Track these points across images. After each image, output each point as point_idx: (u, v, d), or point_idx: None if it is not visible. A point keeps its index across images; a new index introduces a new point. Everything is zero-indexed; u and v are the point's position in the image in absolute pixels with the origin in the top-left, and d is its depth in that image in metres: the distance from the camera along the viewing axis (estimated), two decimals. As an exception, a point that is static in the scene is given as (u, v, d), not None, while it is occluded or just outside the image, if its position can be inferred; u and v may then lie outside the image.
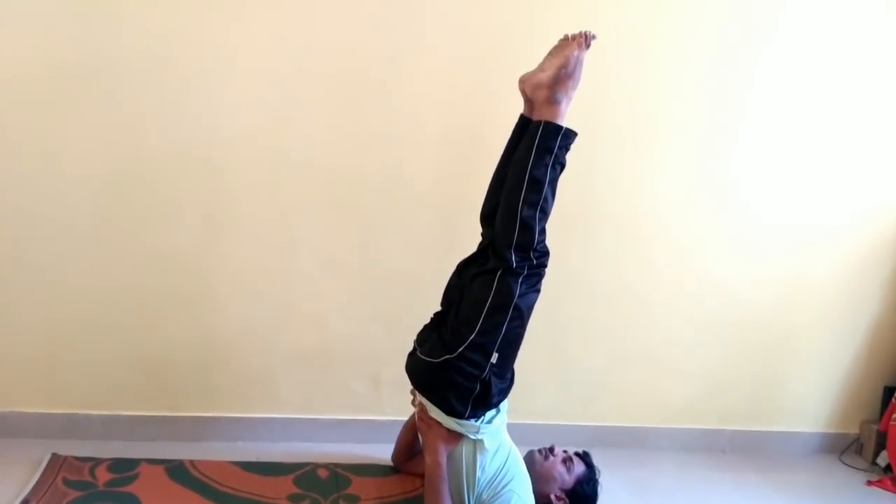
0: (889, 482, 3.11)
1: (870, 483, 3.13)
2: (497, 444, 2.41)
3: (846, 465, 3.29)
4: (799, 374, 3.33)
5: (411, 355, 2.48)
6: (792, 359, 3.31)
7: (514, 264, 2.31)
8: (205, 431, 2.84)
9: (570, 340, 3.08)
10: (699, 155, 3.03)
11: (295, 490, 2.58)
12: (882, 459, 3.24)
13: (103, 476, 2.53)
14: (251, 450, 2.81)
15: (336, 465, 2.76)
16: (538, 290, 2.39)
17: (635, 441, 3.19)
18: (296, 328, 2.87)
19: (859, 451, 3.38)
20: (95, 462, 2.60)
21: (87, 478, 2.51)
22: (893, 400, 3.22)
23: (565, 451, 2.61)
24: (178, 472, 2.61)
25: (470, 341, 2.30)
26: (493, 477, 2.38)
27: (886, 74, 3.08)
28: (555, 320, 2.97)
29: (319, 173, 2.78)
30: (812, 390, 3.36)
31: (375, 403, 2.96)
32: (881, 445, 3.26)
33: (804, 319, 3.27)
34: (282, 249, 2.81)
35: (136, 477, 2.55)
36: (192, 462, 2.67)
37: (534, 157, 2.31)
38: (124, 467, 2.59)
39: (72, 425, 2.75)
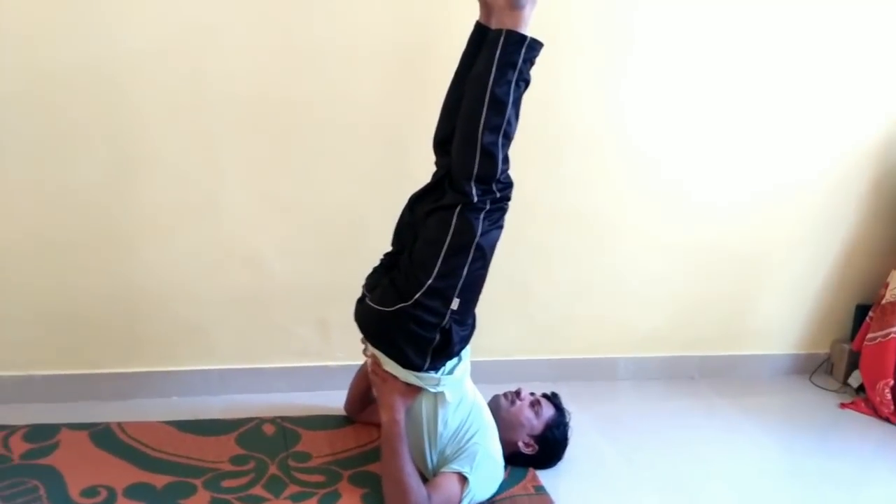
0: (862, 404, 3.02)
1: (843, 405, 3.03)
2: (459, 395, 2.19)
3: (817, 386, 3.20)
4: (769, 296, 3.19)
5: (360, 302, 2.20)
6: (763, 281, 3.16)
7: (475, 198, 2.03)
8: (132, 389, 2.56)
9: (531, 271, 2.85)
10: (668, 71, 2.76)
11: (238, 451, 2.34)
12: (854, 380, 3.15)
13: (19, 447, 2.25)
14: (187, 406, 2.54)
15: (283, 418, 2.52)
16: (501, 227, 2.12)
17: (602, 373, 3.03)
18: (228, 271, 2.57)
19: (830, 371, 3.29)
20: (10, 430, 2.31)
21: (1, 450, 2.22)
22: (868, 319, 3.10)
23: (533, 394, 2.42)
24: (105, 437, 2.34)
25: (427, 287, 2.03)
26: (456, 431, 2.17)
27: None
28: (515, 250, 2.72)
29: (245, 94, 2.42)
30: (783, 312, 3.24)
31: (325, 348, 2.71)
32: (853, 365, 3.16)
33: (776, 240, 3.10)
34: (206, 184, 2.47)
35: (55, 446, 2.27)
36: (119, 425, 2.39)
37: (495, 73, 1.99)
38: (43, 435, 2.31)
39: (-21, 390, 2.45)
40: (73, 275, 2.44)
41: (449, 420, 2.16)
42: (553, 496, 2.25)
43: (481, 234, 2.04)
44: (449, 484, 2.08)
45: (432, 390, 2.13)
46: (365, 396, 2.50)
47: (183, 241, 2.50)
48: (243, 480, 2.20)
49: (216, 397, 2.61)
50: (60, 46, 2.25)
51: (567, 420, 2.42)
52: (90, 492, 2.08)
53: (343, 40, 2.44)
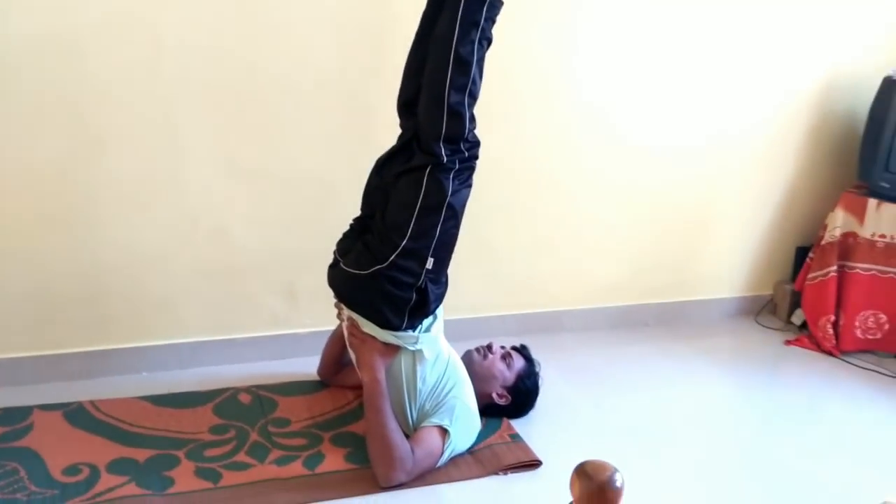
0: (806, 340, 3.19)
1: (788, 342, 3.20)
2: (436, 352, 2.24)
3: (762, 325, 3.36)
4: (716, 242, 3.32)
5: (333, 267, 2.23)
6: (709, 228, 3.29)
7: (445, 159, 2.07)
8: (102, 367, 2.52)
9: (494, 229, 2.90)
10: (618, 29, 2.83)
11: (217, 420, 2.35)
12: (797, 318, 3.32)
13: (-9, 431, 2.22)
14: (159, 381, 2.53)
15: (258, 387, 2.54)
16: (470, 185, 2.18)
17: (564, 325, 3.12)
18: (194, 243, 2.54)
19: (773, 311, 3.46)
20: (-21, 416, 2.28)
21: (-28, 436, 2.20)
22: (808, 259, 3.26)
23: (503, 348, 2.50)
24: (79, 415, 2.32)
25: (402, 248, 2.07)
26: (434, 386, 2.23)
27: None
28: (478, 209, 2.75)
29: (204, 59, 2.39)
30: (728, 257, 3.37)
31: (293, 316, 2.72)
32: (795, 304, 3.33)
33: (721, 189, 3.22)
34: (169, 155, 2.44)
35: (30, 428, 2.24)
36: (92, 403, 2.38)
37: (458, 33, 2.03)
38: (15, 418, 2.28)
39: (-57, 377, 2.39)
40: (35, 254, 2.39)
41: (427, 376, 2.21)
42: (528, 442, 2.33)
43: (452, 194, 2.09)
44: (431, 437, 2.15)
45: (411, 348, 2.18)
46: (338, 360, 2.54)
47: (146, 214, 2.46)
48: (226, 448, 2.22)
49: (187, 370, 2.61)
50: (12, 18, 2.17)
51: (537, 370, 2.50)
52: (72, 470, 2.08)
53: (301, 5, 2.42)
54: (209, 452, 2.19)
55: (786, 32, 3.07)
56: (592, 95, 2.88)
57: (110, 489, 2.01)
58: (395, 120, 2.28)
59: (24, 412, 2.31)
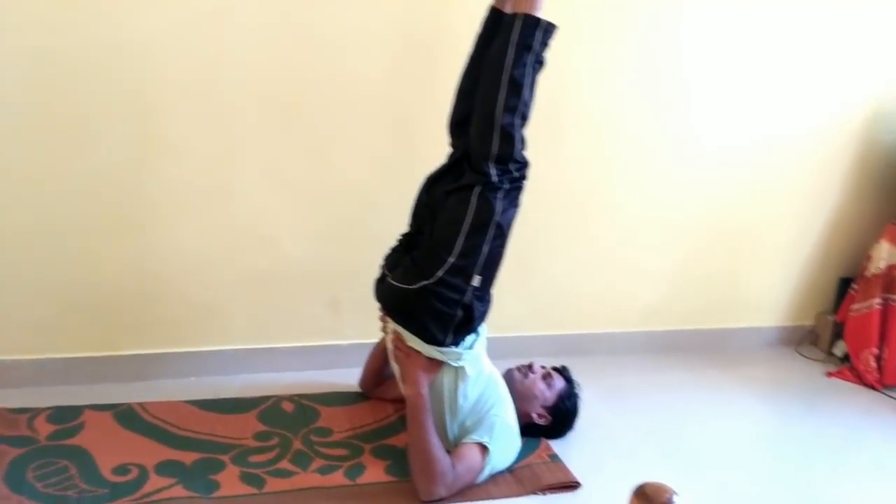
0: (848, 372, 3.16)
1: (830, 374, 3.17)
2: (478, 369, 2.27)
3: (804, 356, 3.34)
4: (758, 270, 3.31)
5: (381, 282, 2.28)
6: (751, 256, 3.28)
7: (495, 178, 2.11)
8: (151, 370, 2.59)
9: (535, 249, 2.92)
10: (660, 53, 2.86)
11: (261, 427, 2.40)
12: (839, 349, 3.29)
13: (44, 428, 2.28)
14: (205, 386, 2.59)
15: (301, 395, 2.58)
16: (518, 205, 2.21)
17: (601, 347, 3.13)
18: (243, 252, 2.61)
19: (815, 341, 3.43)
20: (33, 413, 2.34)
21: (26, 432, 2.25)
22: (851, 291, 3.24)
23: (544, 368, 2.51)
24: (128, 417, 2.38)
25: (450, 265, 2.11)
26: (475, 403, 2.25)
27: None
28: (519, 229, 2.79)
29: (260, 75, 2.46)
30: (770, 285, 3.36)
31: (336, 327, 2.76)
32: (837, 335, 3.31)
33: (764, 216, 3.22)
34: (222, 165, 2.51)
35: (81, 427, 2.31)
36: (141, 405, 2.44)
37: (513, 56, 2.08)
38: (66, 417, 2.34)
39: (-1, 373, 2.47)
40: (90, 257, 2.46)
41: (469, 393, 2.24)
42: (566, 463, 2.34)
43: (500, 213, 2.13)
44: (471, 453, 2.17)
45: (454, 364, 2.21)
46: (379, 373, 2.57)
47: (197, 223, 2.53)
48: (270, 455, 2.26)
49: (232, 377, 2.66)
50: (78, 30, 2.26)
51: (578, 392, 2.51)
52: (121, 470, 2.13)
53: (354, 23, 2.48)
54: (254, 458, 2.24)
55: (833, 62, 3.07)
56: (635, 120, 2.90)
57: (158, 490, 2.06)
58: (442, 137, 2.33)
59: (75, 411, 2.37)
